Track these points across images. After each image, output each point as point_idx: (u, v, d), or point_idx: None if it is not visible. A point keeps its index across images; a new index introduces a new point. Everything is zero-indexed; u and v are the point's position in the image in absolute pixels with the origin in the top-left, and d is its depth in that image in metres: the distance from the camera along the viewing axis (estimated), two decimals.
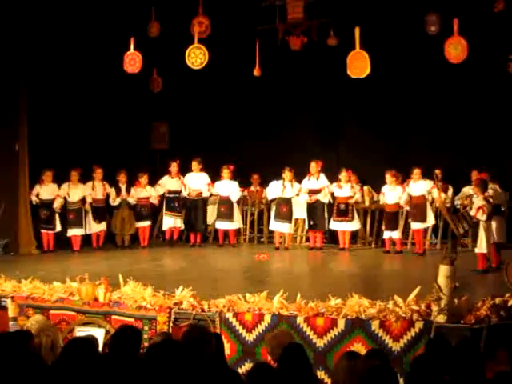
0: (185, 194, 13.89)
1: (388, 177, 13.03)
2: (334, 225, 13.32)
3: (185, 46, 11.67)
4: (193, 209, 13.92)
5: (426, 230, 13.03)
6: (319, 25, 12.03)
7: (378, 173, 13.62)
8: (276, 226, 13.58)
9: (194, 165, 13.88)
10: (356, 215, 13.32)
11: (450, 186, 13.52)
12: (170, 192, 13.96)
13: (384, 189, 13.15)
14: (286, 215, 13.43)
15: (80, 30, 12.68)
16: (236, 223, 13.99)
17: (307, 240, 13.96)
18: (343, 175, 13.27)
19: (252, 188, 14.72)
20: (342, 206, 13.19)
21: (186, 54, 11.61)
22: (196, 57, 11.60)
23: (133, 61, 12.05)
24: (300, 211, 13.69)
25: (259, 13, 11.92)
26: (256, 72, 13.01)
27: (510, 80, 12.61)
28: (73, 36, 12.81)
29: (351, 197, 13.22)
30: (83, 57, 13.33)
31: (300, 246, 13.98)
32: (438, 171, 13.58)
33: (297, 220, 14.02)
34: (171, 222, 13.97)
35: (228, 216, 13.83)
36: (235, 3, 12.23)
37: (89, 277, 8.40)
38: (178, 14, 12.21)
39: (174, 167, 13.93)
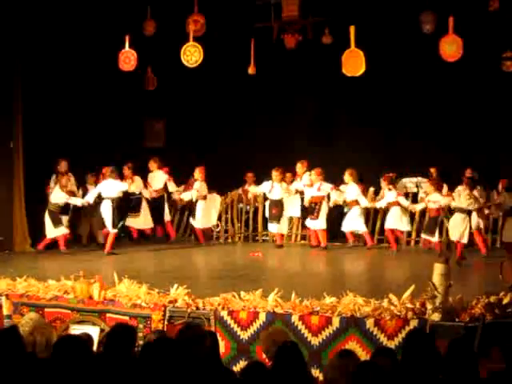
0: (146, 194, 13.91)
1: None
2: (307, 222, 13.44)
3: (180, 44, 11.67)
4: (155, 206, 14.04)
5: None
6: (314, 23, 12.03)
7: (372, 172, 13.64)
8: (269, 226, 13.75)
9: (151, 163, 13.98)
10: (323, 214, 13.22)
11: (444, 185, 13.52)
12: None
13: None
14: (275, 216, 13.50)
15: (75, 27, 12.65)
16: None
17: (302, 238, 14.02)
18: (312, 174, 13.30)
19: (246, 186, 14.71)
20: (312, 205, 13.23)
21: (182, 52, 11.59)
22: (191, 55, 11.59)
23: (128, 59, 12.03)
24: (294, 209, 13.71)
25: (254, 11, 11.92)
26: (251, 70, 13.00)
27: (505, 78, 12.65)
28: (68, 34, 12.77)
29: (321, 196, 13.20)
30: (78, 55, 13.30)
31: (295, 244, 13.99)
32: (432, 170, 13.63)
33: (291, 218, 14.03)
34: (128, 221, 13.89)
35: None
36: (230, 1, 12.22)
37: (84, 275, 8.40)
38: (173, 12, 12.19)
39: (125, 170, 13.88)
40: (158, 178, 14.01)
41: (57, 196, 12.81)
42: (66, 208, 13.08)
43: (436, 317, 6.86)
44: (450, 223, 11.87)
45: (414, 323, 6.86)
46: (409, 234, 13.52)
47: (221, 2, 12.23)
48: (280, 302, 7.53)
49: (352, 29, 11.04)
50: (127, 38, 12.01)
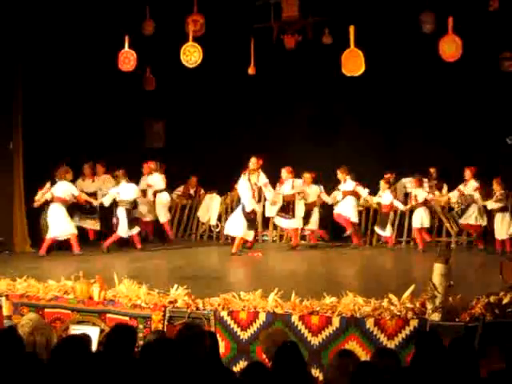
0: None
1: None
2: (277, 220, 13.56)
3: (179, 44, 11.66)
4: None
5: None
6: (314, 23, 12.02)
7: (372, 172, 13.64)
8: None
9: (98, 167, 14.08)
10: (298, 213, 13.25)
11: (444, 185, 13.53)
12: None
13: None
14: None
15: (75, 28, 12.64)
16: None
17: (302, 238, 14.03)
18: (283, 171, 13.37)
19: None
20: (284, 203, 13.31)
21: (181, 53, 11.59)
22: (191, 55, 11.58)
23: (127, 59, 12.03)
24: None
25: (254, 11, 11.90)
26: (251, 70, 13.00)
27: (504, 78, 12.66)
28: (68, 34, 12.76)
29: (293, 194, 13.23)
30: (78, 55, 13.29)
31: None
32: (432, 170, 13.63)
33: None
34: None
35: None
36: (230, 1, 12.20)
37: (83, 275, 8.39)
38: (172, 12, 12.18)
39: (85, 169, 14.04)
40: (108, 182, 14.00)
41: (127, 191, 12.98)
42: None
43: (436, 317, 6.86)
44: (495, 224, 12.19)
45: (413, 323, 6.86)
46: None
47: (220, 2, 12.21)
48: (280, 302, 7.53)
49: (352, 29, 11.02)
50: (126, 39, 12.01)
